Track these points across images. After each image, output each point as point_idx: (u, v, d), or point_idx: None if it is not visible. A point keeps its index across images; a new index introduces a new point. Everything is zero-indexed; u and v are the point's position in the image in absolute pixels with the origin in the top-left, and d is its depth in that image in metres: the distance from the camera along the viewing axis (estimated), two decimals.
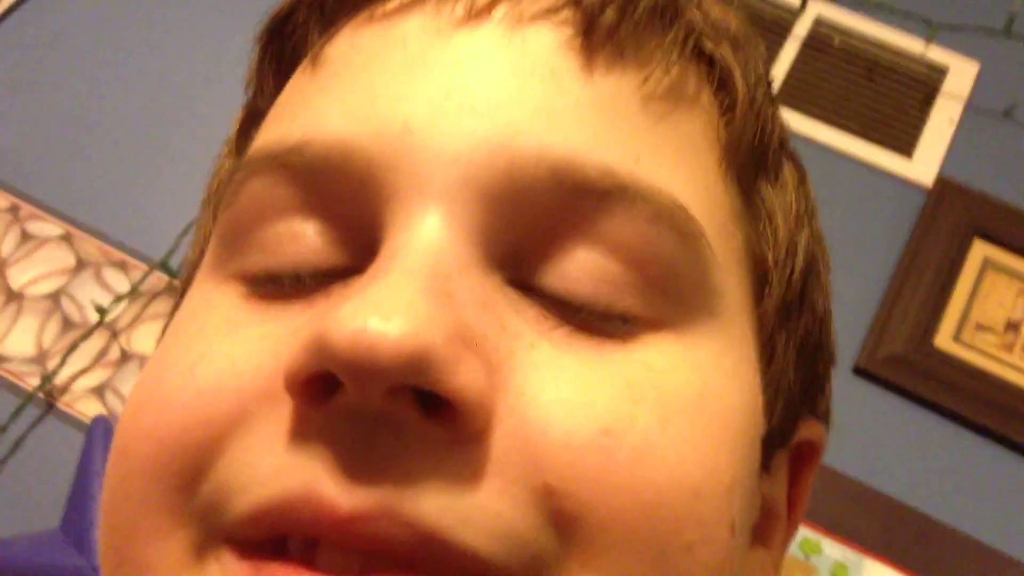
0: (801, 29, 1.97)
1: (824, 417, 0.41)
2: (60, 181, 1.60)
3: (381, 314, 0.26)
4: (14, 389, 1.41)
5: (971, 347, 1.60)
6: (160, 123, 1.70)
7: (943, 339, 1.60)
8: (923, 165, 1.81)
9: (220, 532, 0.28)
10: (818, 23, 1.98)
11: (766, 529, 0.38)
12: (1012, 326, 1.62)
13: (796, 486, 0.40)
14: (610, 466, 0.28)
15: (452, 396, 0.26)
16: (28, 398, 1.39)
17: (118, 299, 1.47)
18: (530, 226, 0.30)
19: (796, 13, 1.97)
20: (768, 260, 0.35)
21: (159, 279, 1.52)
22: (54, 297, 1.48)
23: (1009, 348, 1.60)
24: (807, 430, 0.39)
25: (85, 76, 1.73)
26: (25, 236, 1.52)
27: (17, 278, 1.49)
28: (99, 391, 1.41)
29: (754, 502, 0.34)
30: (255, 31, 0.39)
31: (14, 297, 1.47)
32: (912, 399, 1.57)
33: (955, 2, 1.95)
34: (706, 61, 0.35)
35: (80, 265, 1.50)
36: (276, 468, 0.27)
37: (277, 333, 0.30)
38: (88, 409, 1.40)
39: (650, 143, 0.32)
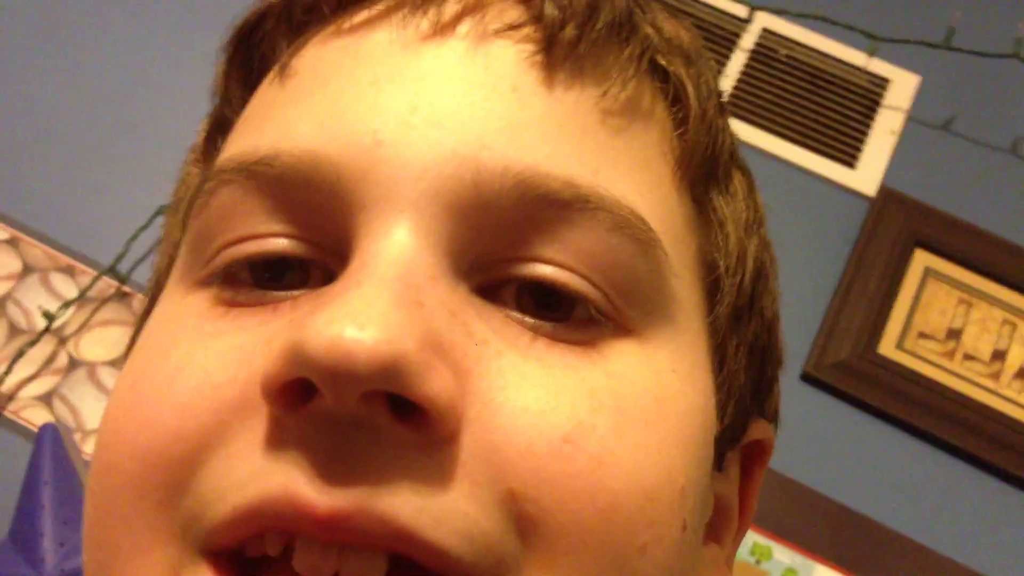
0: (748, 40, 2.00)
1: (772, 417, 0.42)
2: (6, 185, 1.57)
3: (356, 323, 0.27)
4: None
5: (914, 355, 1.64)
6: (109, 126, 1.68)
7: (887, 347, 1.64)
8: (866, 175, 1.85)
9: (199, 543, 0.29)
10: (765, 34, 2.01)
11: (719, 526, 0.40)
12: (953, 334, 1.66)
13: (747, 484, 0.41)
14: (570, 472, 0.29)
15: (424, 402, 0.28)
16: None
17: (66, 305, 1.45)
18: (496, 236, 0.32)
19: (743, 24, 2.00)
20: (720, 267, 0.37)
21: (108, 284, 1.50)
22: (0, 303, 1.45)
23: (950, 356, 1.65)
24: (757, 430, 0.41)
25: (33, 79, 1.70)
26: None
27: None
28: (46, 399, 1.39)
29: (707, 501, 0.36)
30: (209, 38, 0.39)
31: None
32: (858, 405, 1.60)
33: (897, 16, 2.00)
34: (660, 76, 0.36)
35: (26, 270, 1.48)
36: (254, 473, 0.28)
37: (250, 342, 0.31)
38: (35, 417, 1.38)
39: (609, 156, 0.33)
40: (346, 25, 0.35)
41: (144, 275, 1.53)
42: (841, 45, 1.99)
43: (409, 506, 0.27)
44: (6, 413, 1.39)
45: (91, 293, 1.47)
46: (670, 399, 0.32)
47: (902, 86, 1.96)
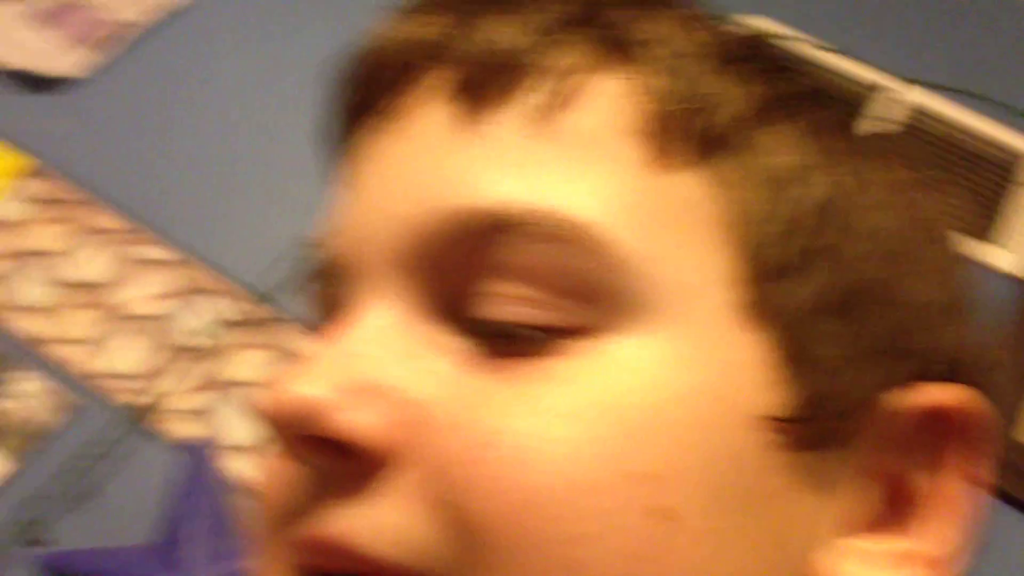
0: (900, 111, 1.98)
1: (955, 377, 0.37)
2: (180, 211, 1.65)
3: (289, 379, 0.33)
4: (117, 406, 1.45)
5: None
6: (281, 164, 1.75)
7: None
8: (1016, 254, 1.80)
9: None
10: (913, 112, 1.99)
11: (897, 513, 0.37)
12: None
13: (941, 466, 0.37)
14: (491, 475, 0.31)
15: (341, 437, 0.33)
16: (130, 417, 1.44)
17: (222, 326, 1.51)
18: (449, 275, 0.35)
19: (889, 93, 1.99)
20: (741, 229, 0.35)
21: (262, 310, 1.56)
22: (162, 319, 1.53)
23: None
24: (917, 395, 0.36)
25: (210, 116, 1.78)
26: (139, 259, 1.57)
27: (128, 299, 1.54)
28: (198, 414, 1.45)
29: (763, 489, 0.34)
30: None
31: (124, 317, 1.52)
32: (1001, 497, 1.55)
33: None
34: (617, 74, 0.36)
35: (191, 290, 1.55)
36: None
37: None
38: (186, 431, 1.44)
39: (547, 166, 0.35)
40: (352, 141, 0.42)
41: (296, 305, 1.58)
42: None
43: (350, 526, 0.33)
44: (159, 425, 1.46)
45: (247, 318, 1.54)
46: (638, 388, 0.32)
47: None
